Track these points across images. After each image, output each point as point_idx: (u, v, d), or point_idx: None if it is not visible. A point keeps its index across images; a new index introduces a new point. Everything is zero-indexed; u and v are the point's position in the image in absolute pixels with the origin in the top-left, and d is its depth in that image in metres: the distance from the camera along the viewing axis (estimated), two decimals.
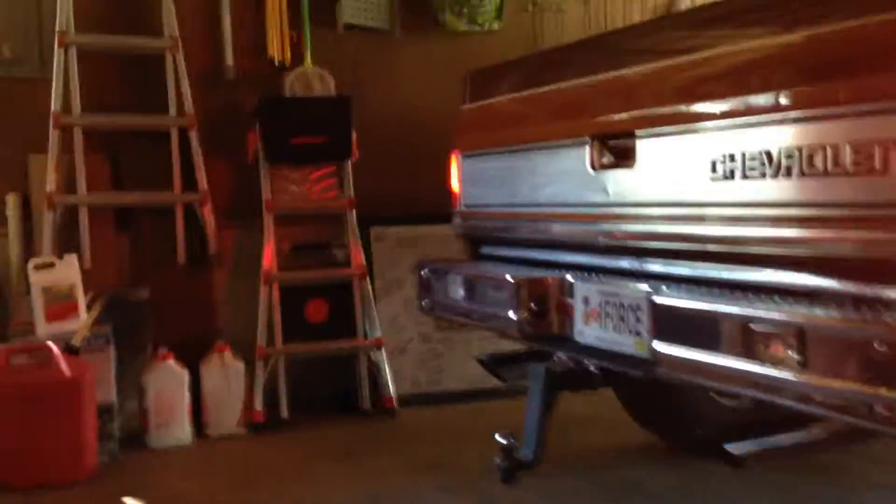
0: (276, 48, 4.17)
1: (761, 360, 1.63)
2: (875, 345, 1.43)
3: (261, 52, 4.16)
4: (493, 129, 2.84)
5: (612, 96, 2.29)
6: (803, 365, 1.55)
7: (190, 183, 3.92)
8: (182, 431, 3.64)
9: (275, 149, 4.00)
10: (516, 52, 4.53)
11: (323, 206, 4.16)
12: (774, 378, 1.62)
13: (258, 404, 3.80)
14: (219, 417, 3.76)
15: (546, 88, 2.58)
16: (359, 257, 4.07)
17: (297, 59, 4.21)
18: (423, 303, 2.93)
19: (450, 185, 3.01)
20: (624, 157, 2.20)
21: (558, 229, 2.49)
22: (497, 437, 2.37)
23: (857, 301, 1.61)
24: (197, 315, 3.98)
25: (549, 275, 2.36)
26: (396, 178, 4.38)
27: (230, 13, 4.11)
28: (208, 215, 3.92)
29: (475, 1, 4.50)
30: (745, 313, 1.71)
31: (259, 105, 3.99)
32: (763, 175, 1.76)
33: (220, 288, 4.07)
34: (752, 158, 1.79)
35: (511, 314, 2.35)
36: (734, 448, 2.68)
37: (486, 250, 2.94)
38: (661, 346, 1.92)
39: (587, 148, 2.30)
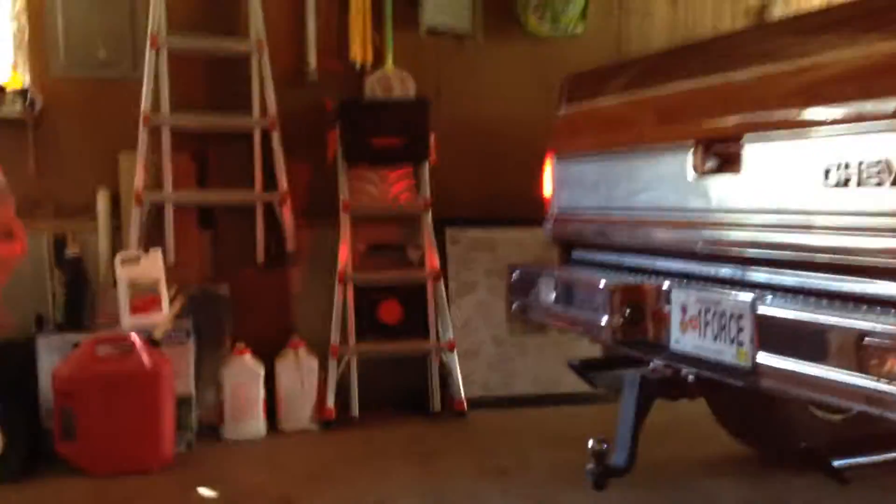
0: (359, 50, 4.21)
1: (874, 374, 1.60)
2: None
3: (343, 54, 4.21)
4: (590, 133, 2.82)
5: (719, 101, 2.25)
6: None
7: (271, 183, 4.00)
8: (256, 425, 3.72)
9: (354, 149, 4.05)
10: (600, 56, 4.48)
11: (399, 208, 4.19)
12: (888, 392, 1.58)
13: (330, 401, 3.84)
14: (292, 413, 3.82)
15: (648, 92, 2.55)
16: (433, 259, 4.08)
17: (379, 61, 4.25)
18: (513, 305, 2.94)
19: (542, 189, 3.00)
20: (729, 163, 2.16)
21: (656, 235, 2.45)
22: (590, 442, 2.35)
23: None
24: (274, 312, 4.06)
25: (645, 281, 2.33)
26: (473, 182, 4.38)
27: (315, 15, 4.18)
28: (287, 214, 3.99)
29: (559, 4, 4.44)
30: (858, 326, 1.67)
31: (340, 106, 4.04)
32: (880, 183, 1.71)
33: (296, 286, 4.13)
34: (870, 166, 1.74)
35: (604, 319, 2.33)
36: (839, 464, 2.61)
37: (577, 255, 2.92)
38: (764, 357, 1.89)
39: (690, 152, 2.26)
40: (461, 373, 4.02)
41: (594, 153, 2.73)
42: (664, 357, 2.28)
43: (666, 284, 2.25)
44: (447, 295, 4.12)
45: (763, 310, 1.91)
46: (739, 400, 2.98)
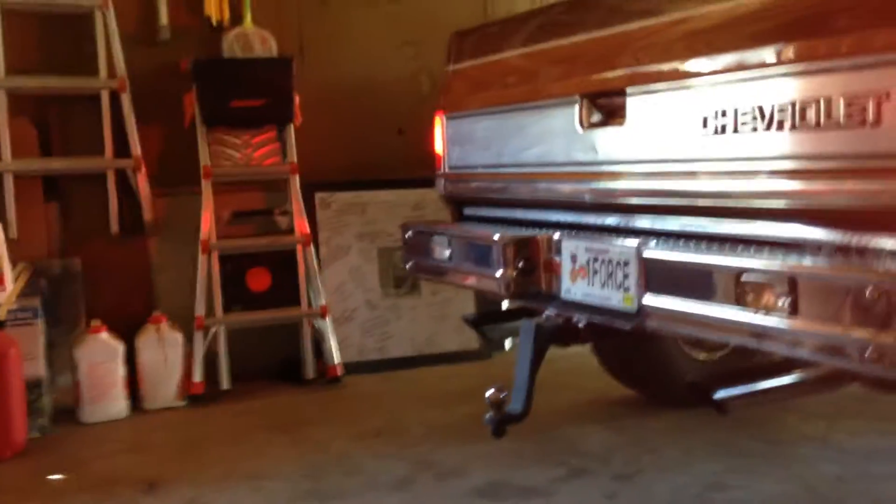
0: (214, 7, 4.00)
1: (752, 308, 1.70)
2: (867, 292, 1.49)
3: (197, 10, 3.99)
4: (478, 90, 2.84)
5: (602, 54, 2.29)
6: (794, 312, 1.62)
7: (123, 149, 3.76)
8: (117, 405, 3.52)
9: (213, 112, 3.85)
10: (467, 14, 4.43)
11: (264, 172, 4.03)
12: (766, 326, 1.68)
13: (197, 375, 3.69)
14: (156, 390, 3.64)
15: (534, 48, 2.58)
16: (302, 224, 3.95)
17: (237, 19, 4.05)
18: (408, 264, 2.97)
19: (433, 147, 3.01)
20: (614, 116, 2.21)
21: (546, 188, 2.50)
22: (489, 391, 2.37)
23: (846, 250, 1.66)
24: (132, 286, 3.85)
25: (536, 233, 2.39)
26: (341, 144, 4.27)
27: None
28: (142, 182, 3.77)
29: None
30: (736, 264, 1.76)
31: (195, 66, 3.82)
32: (755, 129, 1.79)
33: (155, 258, 3.93)
34: (745, 113, 1.81)
35: (498, 273, 2.37)
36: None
37: (469, 211, 2.95)
38: (650, 299, 1.97)
39: (576, 106, 2.31)
40: (335, 339, 3.93)
41: (484, 110, 2.75)
42: (556, 306, 2.34)
43: (556, 235, 2.32)
44: (318, 260, 4.02)
45: (648, 254, 1.98)
46: (624, 346, 3.15)
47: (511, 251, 2.34)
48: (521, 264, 2.33)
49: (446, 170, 2.96)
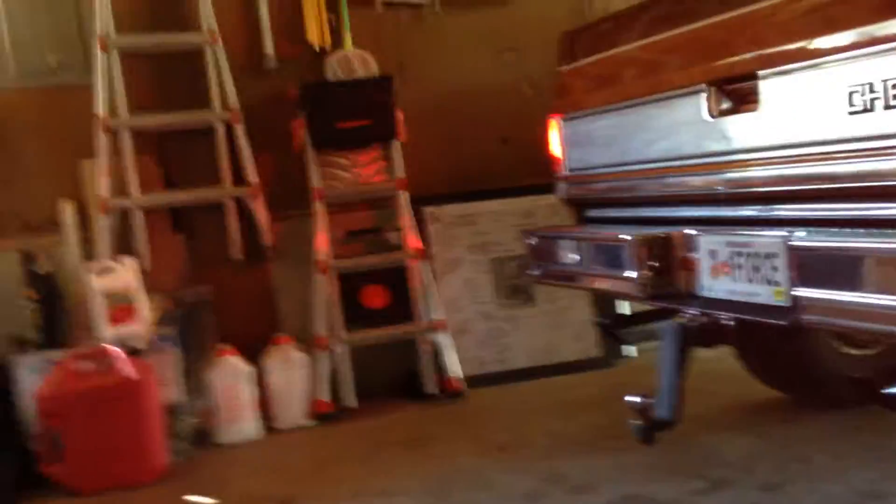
0: (315, 33, 4.10)
1: None
2: None
3: (300, 38, 4.10)
4: (595, 89, 2.76)
5: (727, 39, 2.18)
6: None
7: (239, 177, 3.89)
8: (250, 426, 3.64)
9: (320, 135, 3.94)
10: (561, 18, 4.38)
11: (373, 190, 4.08)
12: None
13: (324, 394, 3.77)
14: (286, 410, 3.74)
15: (652, 39, 2.48)
16: (413, 239, 3.99)
17: (338, 42, 4.13)
18: (533, 272, 2.87)
19: (549, 151, 2.94)
20: (745, 102, 2.11)
21: (676, 183, 2.40)
22: (627, 398, 2.31)
23: None
24: (256, 309, 3.96)
25: (669, 230, 2.29)
26: (447, 156, 4.29)
27: (266, 0, 4.05)
28: (260, 208, 3.89)
29: None
30: None
31: (301, 91, 3.92)
32: None
33: (277, 280, 4.04)
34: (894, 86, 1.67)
35: (631, 273, 2.29)
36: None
37: (593, 213, 2.87)
38: (804, 292, 1.84)
39: (703, 95, 2.21)
40: (454, 352, 3.94)
41: (603, 108, 2.67)
42: (697, 305, 2.23)
43: (693, 232, 2.21)
44: (432, 274, 4.04)
45: (797, 244, 1.87)
46: (769, 344, 2.99)
47: (645, 251, 2.25)
48: (656, 264, 2.24)
49: (566, 172, 2.89)
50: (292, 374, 3.74)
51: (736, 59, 2.12)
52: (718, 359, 3.20)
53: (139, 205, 3.75)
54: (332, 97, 4.00)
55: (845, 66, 1.80)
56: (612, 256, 2.41)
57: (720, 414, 3.30)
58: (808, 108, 1.91)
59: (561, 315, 4.22)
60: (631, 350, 4.29)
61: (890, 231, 1.75)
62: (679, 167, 2.37)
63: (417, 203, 4.12)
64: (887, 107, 1.69)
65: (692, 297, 2.22)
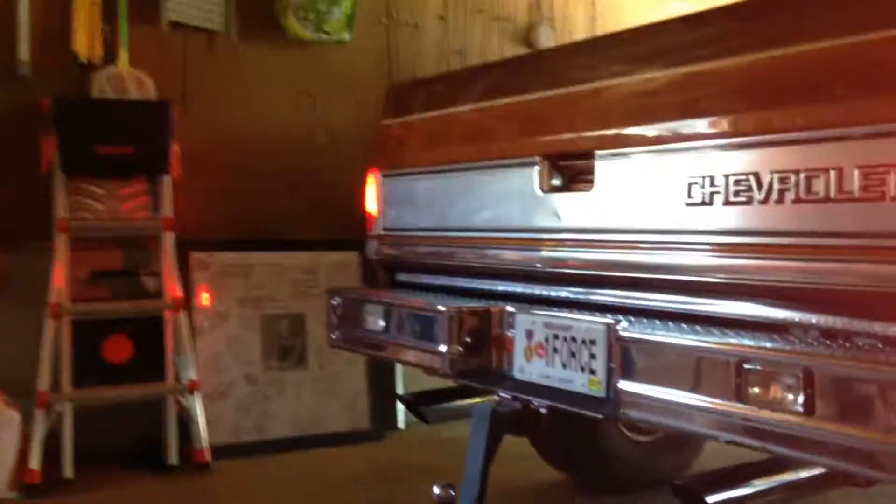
0: (84, 43, 3.59)
1: (754, 403, 1.47)
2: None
3: (64, 46, 3.58)
4: (421, 148, 2.67)
5: (568, 114, 2.12)
6: (807, 409, 1.40)
7: None
8: None
9: (74, 158, 3.42)
10: (368, 65, 4.17)
11: (133, 227, 3.59)
12: (769, 422, 1.45)
13: (35, 462, 3.15)
14: None
15: (487, 104, 2.40)
16: (173, 287, 3.51)
17: (111, 57, 3.65)
18: (332, 335, 2.70)
19: (364, 207, 2.82)
20: (579, 181, 2.06)
21: (497, 255, 2.32)
22: (434, 488, 2.12)
23: (864, 337, 1.47)
24: None
25: (486, 305, 2.17)
26: (226, 199, 3.89)
27: (29, 1, 3.51)
28: None
29: (322, 7, 4.06)
30: (738, 351, 1.52)
31: (55, 104, 3.39)
32: (750, 201, 1.61)
33: None
34: (738, 182, 1.63)
35: (441, 347, 2.15)
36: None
37: (403, 277, 2.75)
38: (626, 385, 1.74)
39: (536, 169, 2.13)
40: (207, 417, 3.47)
41: (427, 169, 2.57)
42: (509, 387, 2.10)
43: (510, 308, 2.09)
44: (192, 328, 3.57)
45: (626, 334, 1.76)
46: (563, 432, 2.91)
47: (457, 324, 2.12)
48: (468, 339, 2.11)
49: (380, 231, 2.76)
50: None
51: (574, 135, 2.06)
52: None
53: None
54: (94, 116, 3.50)
55: (688, 155, 1.74)
56: (422, 326, 2.26)
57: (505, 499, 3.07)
58: (644, 195, 1.84)
59: (332, 381, 3.87)
60: (400, 423, 4.02)
61: (715, 330, 1.67)
62: (502, 239, 2.27)
63: (186, 247, 3.66)
64: (727, 203, 1.64)
65: (504, 378, 2.09)
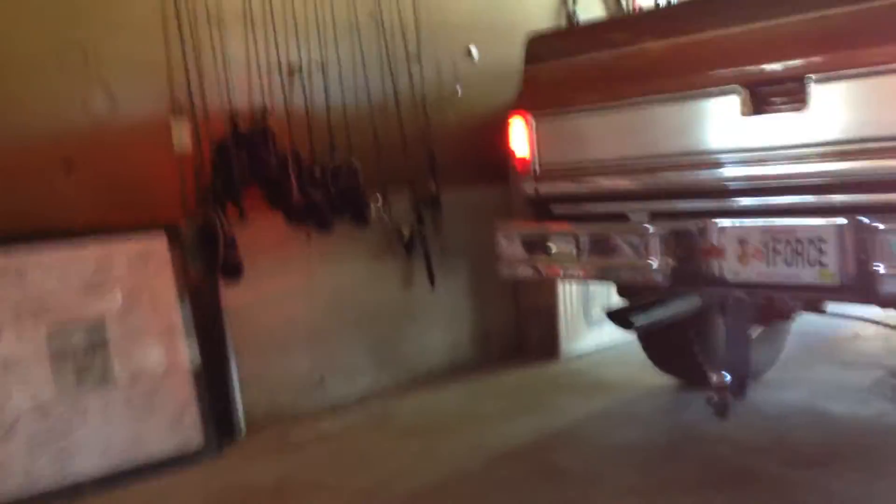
0: None
1: None
2: None
3: None
4: (584, 87, 2.82)
5: (770, 43, 2.36)
6: None
7: None
8: None
9: None
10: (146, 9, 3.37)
11: None
12: None
13: None
14: None
15: (682, 39, 2.58)
16: None
17: None
18: (519, 269, 2.84)
19: (509, 149, 3.02)
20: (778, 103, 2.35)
21: (690, 175, 2.56)
22: (709, 374, 2.66)
23: None
24: None
25: (683, 222, 2.46)
26: None
27: None
28: None
29: None
30: None
31: None
32: None
33: None
34: None
35: (652, 262, 2.44)
36: None
37: (560, 209, 2.93)
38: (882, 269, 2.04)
39: (735, 97, 2.41)
40: None
41: (597, 105, 2.76)
42: (724, 288, 2.43)
43: (718, 221, 2.37)
44: None
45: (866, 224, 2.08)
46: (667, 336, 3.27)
47: (668, 240, 2.42)
48: (679, 252, 2.42)
49: (537, 169, 2.94)
50: None
51: (781, 64, 2.31)
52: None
53: None
54: None
55: None
56: (632, 246, 2.49)
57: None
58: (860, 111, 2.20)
59: (150, 397, 3.20)
60: (241, 432, 3.45)
61: None
62: (695, 163, 2.53)
63: None
64: None
65: (718, 282, 2.37)
